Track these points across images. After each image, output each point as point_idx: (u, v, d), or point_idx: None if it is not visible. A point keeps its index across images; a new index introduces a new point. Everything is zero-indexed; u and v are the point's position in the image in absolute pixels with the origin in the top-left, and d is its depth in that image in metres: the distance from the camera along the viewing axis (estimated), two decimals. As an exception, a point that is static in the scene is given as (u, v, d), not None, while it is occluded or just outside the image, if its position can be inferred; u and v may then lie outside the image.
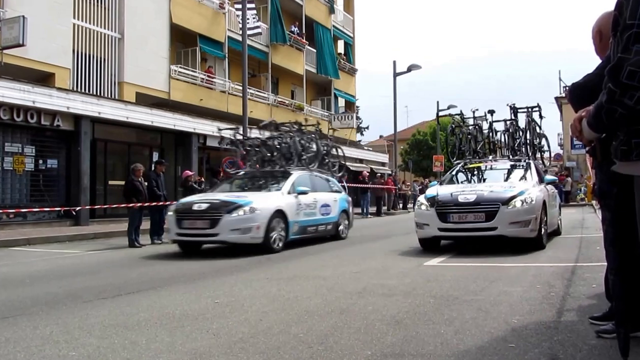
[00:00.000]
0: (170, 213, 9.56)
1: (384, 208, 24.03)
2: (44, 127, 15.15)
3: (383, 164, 36.09)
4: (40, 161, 15.34)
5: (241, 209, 8.84)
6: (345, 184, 20.44)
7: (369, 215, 22.02)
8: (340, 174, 13.60)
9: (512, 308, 4.31)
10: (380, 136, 60.62)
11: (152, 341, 3.64)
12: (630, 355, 2.46)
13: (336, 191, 12.06)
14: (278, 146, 12.03)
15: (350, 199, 12.68)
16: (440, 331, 3.68)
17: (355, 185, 23.32)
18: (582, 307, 4.30)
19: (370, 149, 40.19)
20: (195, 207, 9.13)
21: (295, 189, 10.07)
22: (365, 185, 22.71)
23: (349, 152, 31.25)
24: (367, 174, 24.22)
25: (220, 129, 13.49)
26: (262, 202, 9.20)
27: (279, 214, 9.32)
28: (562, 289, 5.04)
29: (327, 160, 13.14)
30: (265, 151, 11.96)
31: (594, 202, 18.06)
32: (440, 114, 12.79)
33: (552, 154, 37.58)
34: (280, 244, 9.21)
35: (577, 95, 3.44)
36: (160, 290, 5.66)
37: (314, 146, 12.70)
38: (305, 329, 3.85)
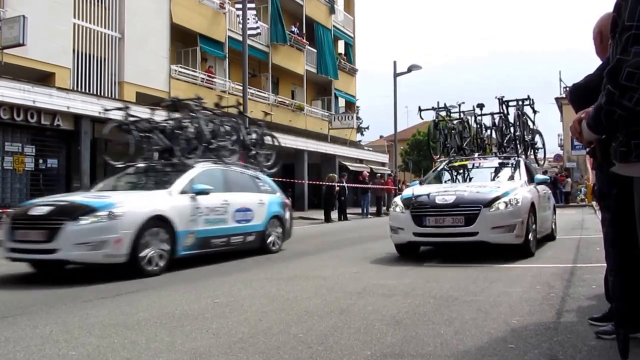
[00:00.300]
0: (4, 218, 7.22)
1: (384, 208, 24.01)
2: (44, 127, 15.15)
3: (383, 164, 36.14)
4: (41, 160, 15.35)
5: (94, 214, 6.36)
6: (345, 184, 20.54)
7: (369, 216, 22.03)
8: (273, 170, 10.82)
9: (511, 309, 4.31)
10: (381, 136, 60.73)
11: (152, 341, 3.64)
12: (630, 356, 2.46)
13: (266, 191, 9.54)
14: (179, 131, 9.12)
15: (287, 201, 10.29)
16: (440, 331, 3.69)
17: (355, 185, 23.35)
18: (582, 308, 4.30)
19: (370, 149, 40.24)
20: (34, 211, 6.66)
21: (193, 188, 7.65)
22: (366, 186, 22.72)
23: (350, 152, 31.38)
24: (368, 174, 24.22)
25: (106, 110, 10.04)
26: (131, 205, 6.71)
27: (159, 221, 6.90)
28: (561, 290, 5.04)
29: (254, 152, 10.45)
30: (162, 138, 8.87)
31: (594, 203, 18.05)
32: (424, 111, 11.31)
33: (553, 155, 37.59)
34: (161, 264, 6.80)
35: (578, 96, 3.44)
36: (160, 290, 5.66)
37: (236, 134, 10.13)
38: (305, 329, 3.85)
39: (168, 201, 7.24)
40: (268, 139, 11.16)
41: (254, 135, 10.71)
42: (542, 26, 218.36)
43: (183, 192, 7.54)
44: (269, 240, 9.10)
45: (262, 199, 9.18)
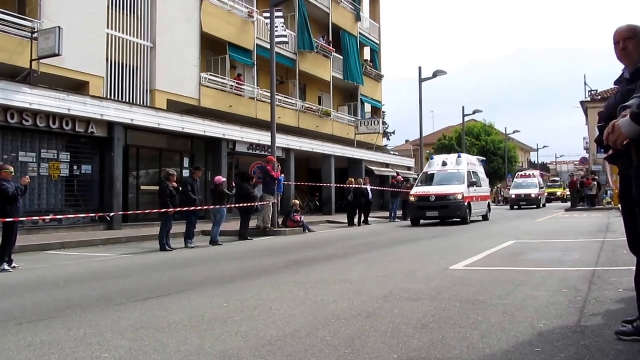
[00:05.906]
0: None
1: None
2: (79, 134, 15.58)
3: (409, 169, 35.98)
4: (75, 167, 15.78)
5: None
6: (368, 187, 20.46)
7: (397, 220, 21.94)
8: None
9: (538, 312, 4.29)
10: (407, 141, 60.39)
11: (182, 344, 3.73)
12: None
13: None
14: None
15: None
16: (466, 335, 3.70)
17: (381, 188, 23.27)
18: (609, 311, 4.25)
19: (397, 153, 40.05)
20: None
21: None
22: (392, 189, 22.71)
23: (376, 157, 31.33)
24: (402, 178, 24.15)
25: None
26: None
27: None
28: (588, 293, 4.98)
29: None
30: None
31: (619, 206, 17.69)
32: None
33: (578, 158, 36.92)
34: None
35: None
36: (190, 294, 5.78)
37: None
38: (332, 332, 3.90)
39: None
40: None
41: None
42: (568, 25, 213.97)
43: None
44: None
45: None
